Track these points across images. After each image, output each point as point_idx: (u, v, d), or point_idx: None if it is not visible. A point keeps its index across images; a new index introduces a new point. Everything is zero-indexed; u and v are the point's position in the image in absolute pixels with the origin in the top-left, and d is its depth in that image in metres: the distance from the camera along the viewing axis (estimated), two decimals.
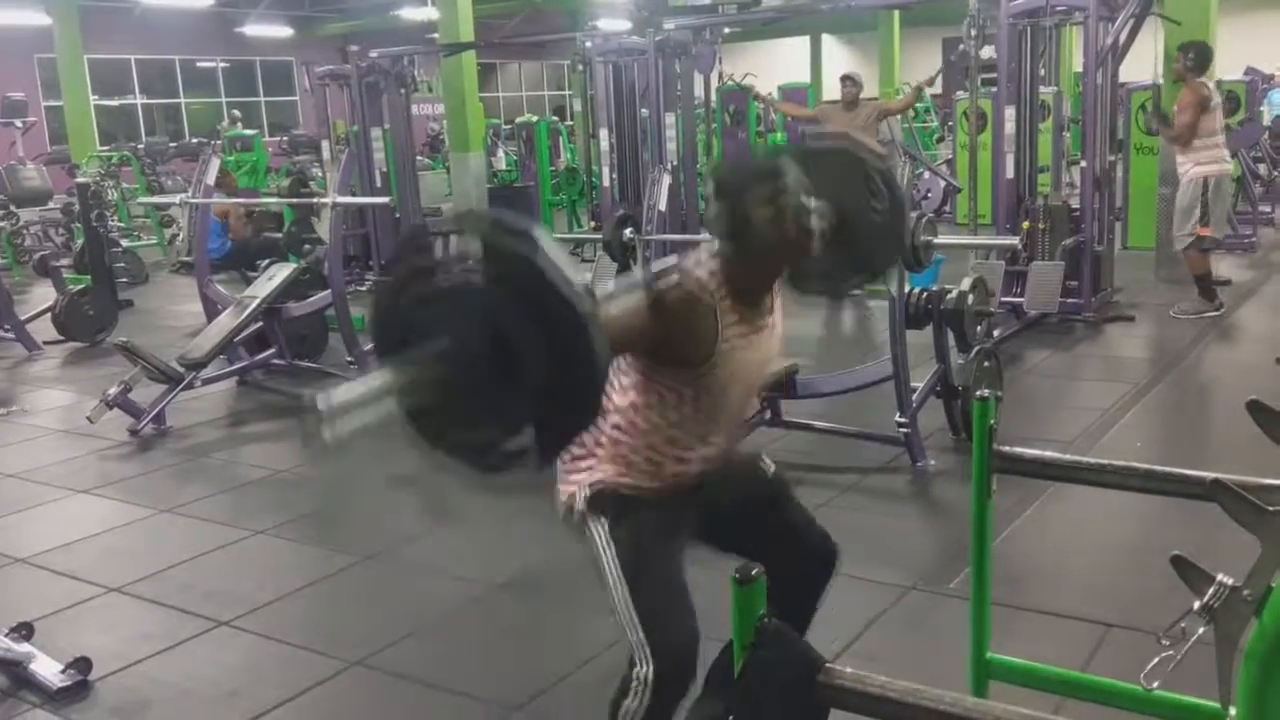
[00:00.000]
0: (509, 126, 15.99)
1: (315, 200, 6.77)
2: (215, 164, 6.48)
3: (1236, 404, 6.10)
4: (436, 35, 18.42)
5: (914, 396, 4.60)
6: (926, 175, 11.51)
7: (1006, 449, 2.49)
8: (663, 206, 5.82)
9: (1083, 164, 6.95)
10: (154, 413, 5.74)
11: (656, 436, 2.20)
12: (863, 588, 3.55)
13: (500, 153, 14.41)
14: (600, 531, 2.20)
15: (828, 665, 1.84)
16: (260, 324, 6.44)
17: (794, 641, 1.88)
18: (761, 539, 2.39)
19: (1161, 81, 7.86)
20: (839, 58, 23.98)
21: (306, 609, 3.74)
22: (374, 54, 10.37)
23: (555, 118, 15.62)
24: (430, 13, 16.78)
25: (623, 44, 8.74)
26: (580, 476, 2.23)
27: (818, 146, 2.70)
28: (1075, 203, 7.28)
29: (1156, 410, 5.44)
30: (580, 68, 9.01)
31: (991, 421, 2.43)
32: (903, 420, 4.52)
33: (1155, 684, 1.58)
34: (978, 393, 2.46)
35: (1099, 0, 6.78)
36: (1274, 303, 7.53)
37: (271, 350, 6.52)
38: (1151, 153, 8.70)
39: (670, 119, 8.24)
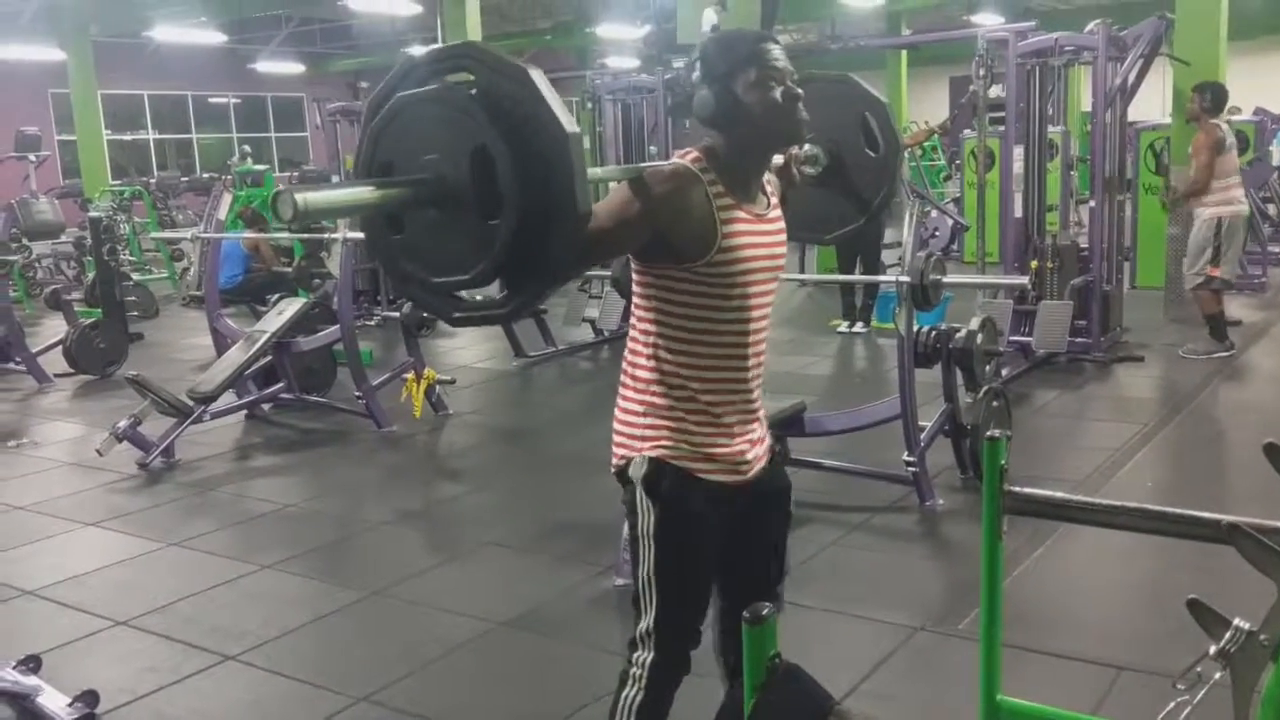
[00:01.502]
0: None
1: (326, 235, 6.78)
2: (227, 199, 6.54)
3: (1249, 445, 6.13)
4: None
5: (922, 435, 4.59)
6: (934, 214, 11.55)
7: (1018, 489, 2.47)
8: None
9: (1091, 203, 6.97)
10: (163, 446, 5.75)
11: (695, 365, 2.13)
12: (871, 628, 3.54)
13: None
14: (650, 512, 2.15)
15: (838, 707, 1.83)
16: (269, 358, 6.47)
17: (805, 681, 1.87)
18: (748, 558, 2.36)
19: (1170, 121, 7.91)
20: None
21: (312, 644, 3.72)
22: None
23: None
24: None
25: (631, 82, 8.81)
26: (638, 442, 2.16)
27: (817, 73, 2.66)
28: (1084, 242, 7.30)
29: (1167, 451, 5.42)
30: (589, 105, 9.07)
31: (1002, 462, 2.42)
32: (911, 459, 4.51)
33: None
34: (988, 433, 2.45)
35: (1108, 40, 6.82)
36: None
37: (280, 385, 6.53)
38: (1156, 191, 8.73)
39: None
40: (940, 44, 12.57)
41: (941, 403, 4.79)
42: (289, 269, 8.96)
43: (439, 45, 1.99)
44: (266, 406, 6.72)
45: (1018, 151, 7.10)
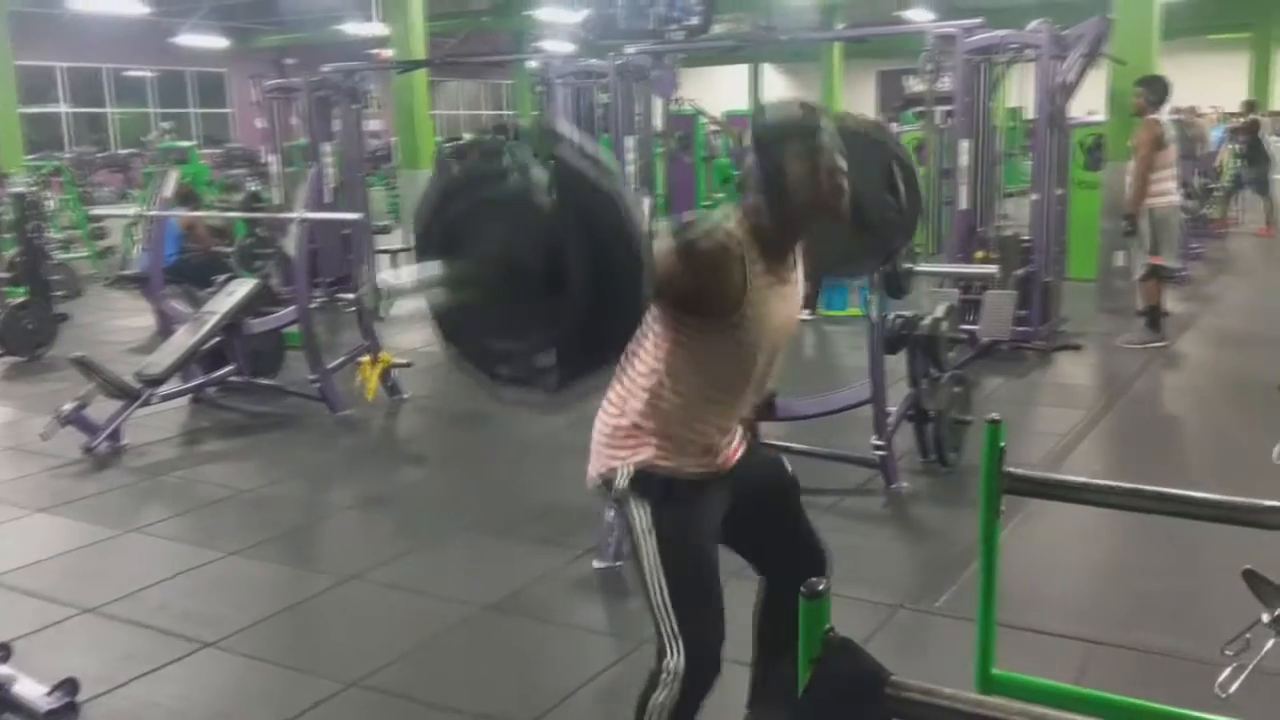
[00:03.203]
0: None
1: (283, 215, 6.65)
2: (174, 176, 6.36)
3: (1186, 428, 6.33)
4: (377, 51, 18.31)
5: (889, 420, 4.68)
6: None
7: (1016, 470, 2.56)
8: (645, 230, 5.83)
9: (1034, 196, 7.15)
10: (110, 430, 5.59)
11: (694, 402, 2.19)
12: (851, 607, 3.60)
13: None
14: (641, 515, 2.19)
15: (894, 678, 1.88)
16: (218, 340, 6.33)
17: (859, 654, 1.91)
18: (767, 534, 2.44)
19: (1105, 118, 8.15)
20: (779, 86, 24.33)
21: (292, 630, 3.68)
22: (326, 68, 10.30)
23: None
24: (374, 28, 16.72)
25: (583, 66, 8.79)
26: (623, 453, 2.21)
27: (852, 123, 2.71)
28: (1024, 234, 7.49)
29: (1112, 435, 5.60)
30: (539, 89, 9.03)
31: (1002, 444, 2.50)
32: (880, 443, 4.60)
33: (1229, 691, 1.64)
34: (989, 416, 2.53)
35: (1051, 39, 6.99)
36: (1211, 334, 7.81)
37: (230, 367, 6.39)
38: (1092, 187, 8.99)
39: (630, 142, 8.30)
40: (870, 39, 12.71)
41: (899, 388, 4.89)
42: (227, 249, 8.75)
43: (518, 138, 1.95)
44: (212, 390, 6.57)
45: (965, 145, 7.25)
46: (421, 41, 11.29)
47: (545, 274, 1.80)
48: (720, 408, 2.24)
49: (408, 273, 1.78)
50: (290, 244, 5.91)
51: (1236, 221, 13.16)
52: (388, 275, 1.88)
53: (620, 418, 2.23)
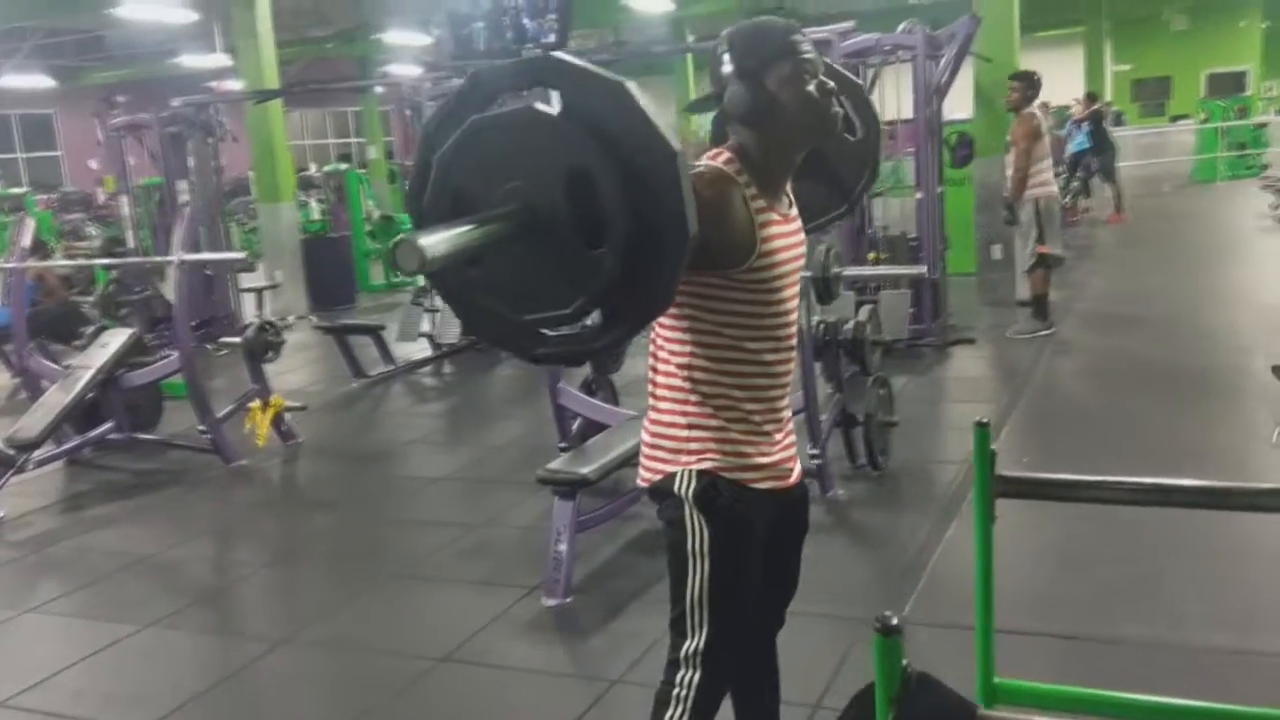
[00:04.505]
0: (317, 175, 15.46)
1: (158, 259, 6.25)
2: (30, 225, 5.90)
3: (1098, 414, 6.46)
4: (216, 84, 17.60)
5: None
6: None
7: (1007, 473, 2.52)
8: None
9: (919, 195, 7.28)
10: None
11: (731, 368, 2.06)
12: (820, 623, 3.51)
13: (313, 202, 13.85)
14: (703, 529, 2.07)
15: (981, 711, 1.79)
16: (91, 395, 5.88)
17: (942, 689, 1.83)
18: (774, 564, 2.30)
19: (973, 118, 8.40)
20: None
21: (233, 706, 3.38)
22: (176, 102, 9.80)
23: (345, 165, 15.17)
24: (216, 59, 16.06)
25: (451, 87, 8.56)
26: (681, 456, 2.07)
27: None
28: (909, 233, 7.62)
29: (1028, 426, 5.68)
30: (408, 112, 8.77)
31: (992, 446, 2.46)
32: (816, 452, 4.55)
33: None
34: (977, 419, 2.48)
35: (925, 39, 7.14)
36: (1090, 320, 8.07)
37: (108, 424, 5.96)
38: (960, 184, 9.22)
39: None
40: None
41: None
42: (86, 298, 8.21)
43: (514, 60, 1.81)
44: (88, 450, 6.11)
45: None
46: (274, 70, 10.84)
47: (574, 223, 1.65)
48: (762, 378, 2.09)
49: (443, 233, 1.57)
50: (169, 288, 5.52)
51: (1088, 210, 13.76)
52: (423, 238, 1.70)
53: (668, 406, 2.10)
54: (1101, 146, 13.09)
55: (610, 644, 3.56)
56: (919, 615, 3.58)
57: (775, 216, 2.06)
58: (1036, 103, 7.36)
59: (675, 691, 2.12)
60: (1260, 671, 3.09)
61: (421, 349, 8.34)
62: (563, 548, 3.83)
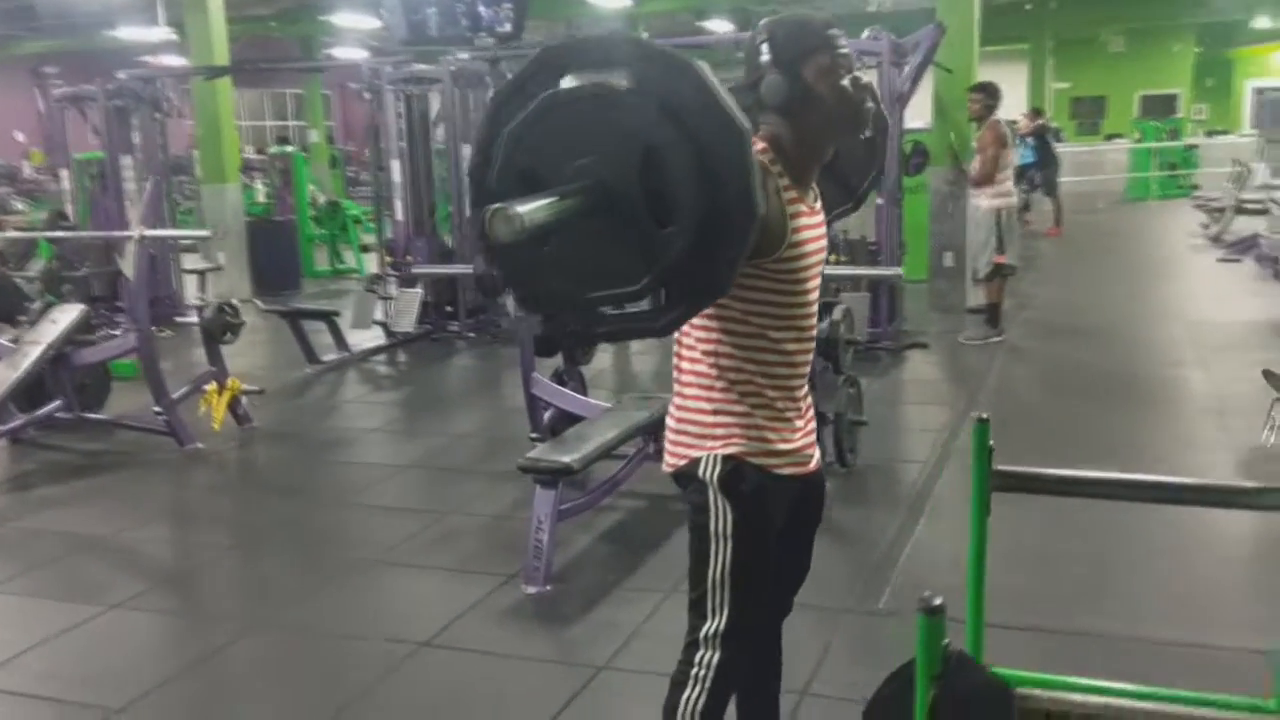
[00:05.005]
0: (261, 158, 15.18)
1: (118, 234, 6.09)
2: None
3: (1051, 417, 6.59)
4: (152, 57, 17.17)
5: None
6: None
7: (1005, 469, 2.58)
8: None
9: (880, 200, 7.37)
10: None
11: (756, 354, 2.09)
12: (800, 613, 3.55)
13: (258, 184, 13.59)
14: (726, 513, 2.09)
15: (1019, 690, 1.84)
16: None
17: (979, 669, 1.86)
18: (789, 551, 2.35)
19: (932, 127, 8.53)
20: None
21: (208, 690, 3.30)
22: (123, 75, 9.56)
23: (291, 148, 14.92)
24: (158, 33, 15.65)
25: (414, 72, 8.48)
26: (707, 441, 2.10)
27: None
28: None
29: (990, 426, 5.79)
30: (367, 95, 8.65)
31: (990, 441, 2.51)
32: None
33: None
34: (976, 415, 2.53)
35: (891, 46, 7.24)
36: (1036, 328, 8.24)
37: (56, 403, 5.79)
38: (914, 192, 9.36)
39: (466, 150, 8.06)
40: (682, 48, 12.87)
41: None
42: (25, 275, 7.97)
43: (579, 36, 1.81)
44: (32, 429, 5.93)
45: None
46: (225, 46, 10.63)
47: (645, 201, 1.66)
48: (785, 367, 2.13)
49: (534, 203, 1.57)
50: (128, 265, 5.38)
51: (1028, 223, 14.05)
52: (519, 205, 1.69)
53: (695, 392, 2.12)
54: (1045, 161, 13.37)
55: (592, 631, 3.56)
56: (894, 606, 3.64)
57: (804, 208, 2.09)
58: (999, 112, 7.49)
59: (694, 671, 2.14)
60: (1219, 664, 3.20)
61: (375, 336, 8.24)
62: (544, 536, 3.81)
